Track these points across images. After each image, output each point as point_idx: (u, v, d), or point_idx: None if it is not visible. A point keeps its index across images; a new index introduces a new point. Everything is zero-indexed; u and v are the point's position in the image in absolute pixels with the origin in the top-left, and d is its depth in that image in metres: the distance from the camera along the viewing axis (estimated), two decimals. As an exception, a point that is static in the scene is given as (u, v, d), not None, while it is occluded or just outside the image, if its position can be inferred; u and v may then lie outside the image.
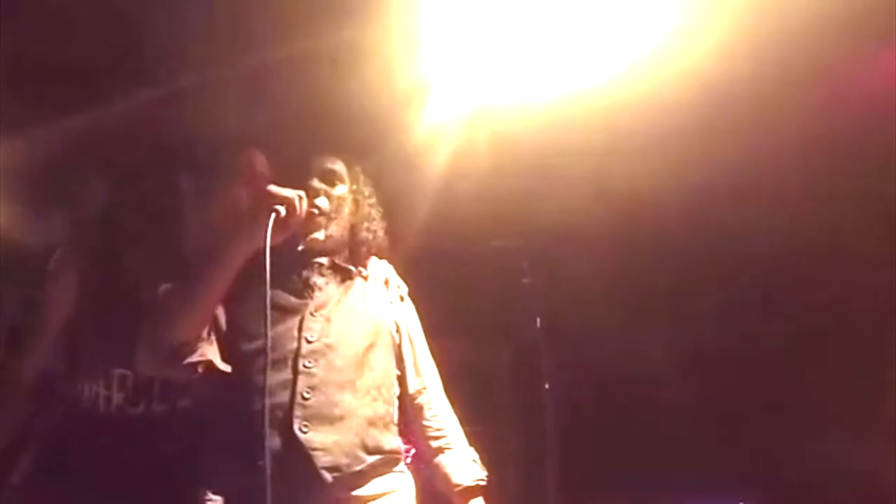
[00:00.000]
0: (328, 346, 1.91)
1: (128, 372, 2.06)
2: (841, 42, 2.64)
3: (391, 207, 2.27)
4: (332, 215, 2.03)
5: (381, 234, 2.15)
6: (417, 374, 2.11)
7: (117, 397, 2.08)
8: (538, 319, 3.87)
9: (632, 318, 4.10)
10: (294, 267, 2.00)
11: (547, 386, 3.74)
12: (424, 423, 2.09)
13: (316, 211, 1.98)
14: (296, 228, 1.88)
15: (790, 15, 2.53)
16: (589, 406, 4.15)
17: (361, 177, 2.15)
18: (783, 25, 2.57)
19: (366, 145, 2.45)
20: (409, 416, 2.09)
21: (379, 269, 2.15)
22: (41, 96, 2.60)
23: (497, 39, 2.76)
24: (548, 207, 3.70)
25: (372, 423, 1.91)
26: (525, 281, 3.96)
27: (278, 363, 1.85)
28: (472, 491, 2.04)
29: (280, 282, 1.89)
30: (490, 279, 4.08)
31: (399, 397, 2.06)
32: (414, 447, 2.33)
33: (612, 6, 2.57)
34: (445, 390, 2.18)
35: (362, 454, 1.87)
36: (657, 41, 2.71)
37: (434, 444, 2.08)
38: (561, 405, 3.78)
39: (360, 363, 1.94)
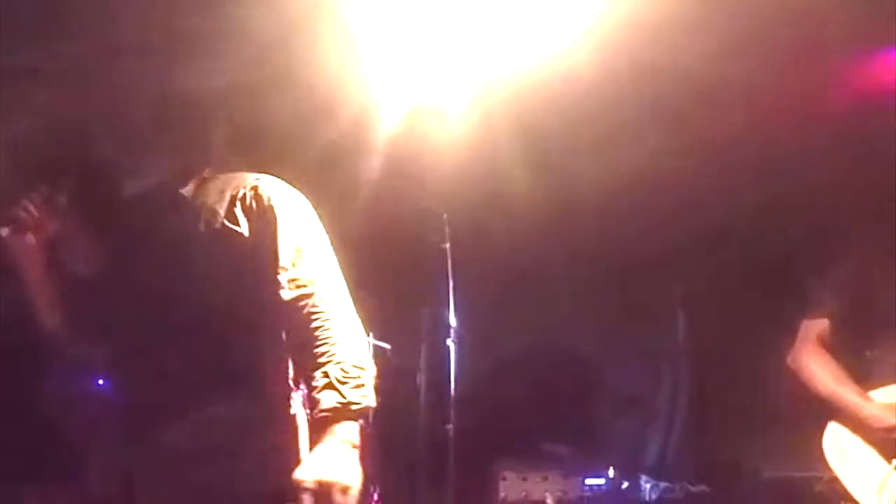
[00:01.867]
0: (148, 307, 1.86)
1: None
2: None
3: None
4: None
5: (226, 155, 2.06)
6: (288, 282, 1.83)
7: None
8: (450, 282, 4.28)
9: (539, 291, 4.77)
10: (125, 216, 2.01)
11: (452, 344, 4.21)
12: (301, 335, 1.82)
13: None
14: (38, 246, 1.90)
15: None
16: (488, 366, 4.75)
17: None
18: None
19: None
20: (294, 338, 1.85)
21: (224, 181, 1.98)
22: None
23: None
24: (472, 179, 4.33)
25: (209, 382, 1.83)
26: (443, 246, 4.34)
27: (122, 330, 1.92)
28: (334, 418, 1.73)
29: (118, 236, 1.99)
30: (412, 240, 4.54)
31: (281, 317, 1.86)
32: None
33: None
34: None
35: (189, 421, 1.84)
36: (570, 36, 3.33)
37: (311, 359, 1.79)
38: (463, 363, 4.20)
39: (188, 312, 1.83)
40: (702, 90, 3.67)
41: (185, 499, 1.78)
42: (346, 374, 1.72)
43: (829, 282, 2.43)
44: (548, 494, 3.86)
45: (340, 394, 1.71)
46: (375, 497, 3.11)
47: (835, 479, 2.19)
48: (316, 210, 1.97)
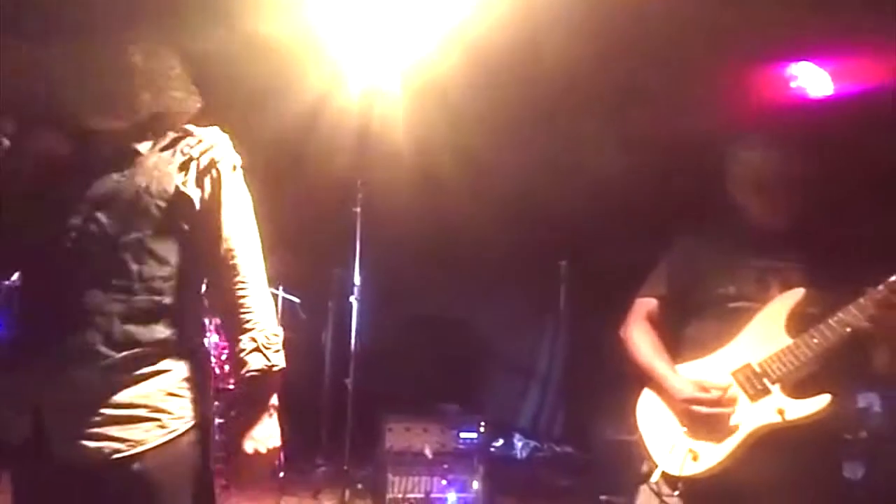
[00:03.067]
0: (83, 244, 1.92)
1: None
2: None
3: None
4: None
5: (181, 116, 2.08)
6: (224, 252, 2.01)
7: None
8: (357, 243, 4.71)
9: (441, 261, 5.19)
10: (74, 159, 2.01)
11: (354, 300, 4.67)
12: (229, 300, 2.01)
13: None
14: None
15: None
16: (387, 321, 5.18)
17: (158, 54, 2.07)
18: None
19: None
20: (218, 295, 2.05)
21: (178, 142, 2.07)
22: None
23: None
24: (392, 152, 4.72)
25: (126, 317, 1.91)
26: (355, 210, 4.78)
27: (48, 261, 1.94)
28: (261, 377, 1.97)
29: (62, 175, 1.98)
30: (328, 205, 4.96)
31: (210, 275, 2.05)
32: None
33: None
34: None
35: (105, 349, 1.89)
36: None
37: (236, 325, 2.01)
38: (364, 317, 4.66)
39: (121, 256, 1.93)
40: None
41: (93, 417, 1.88)
42: (268, 341, 1.98)
43: (659, 266, 2.68)
44: (426, 445, 4.27)
45: (266, 357, 1.97)
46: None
47: (640, 438, 2.49)
48: (246, 165, 2.12)
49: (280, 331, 2.05)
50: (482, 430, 4.31)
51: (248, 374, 1.97)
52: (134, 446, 1.89)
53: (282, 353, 2.02)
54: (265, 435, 1.99)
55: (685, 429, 2.40)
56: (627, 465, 2.66)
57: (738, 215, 2.55)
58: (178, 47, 2.11)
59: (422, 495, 4.20)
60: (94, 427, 1.88)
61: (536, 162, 4.73)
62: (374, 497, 4.37)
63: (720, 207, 2.60)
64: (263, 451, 1.98)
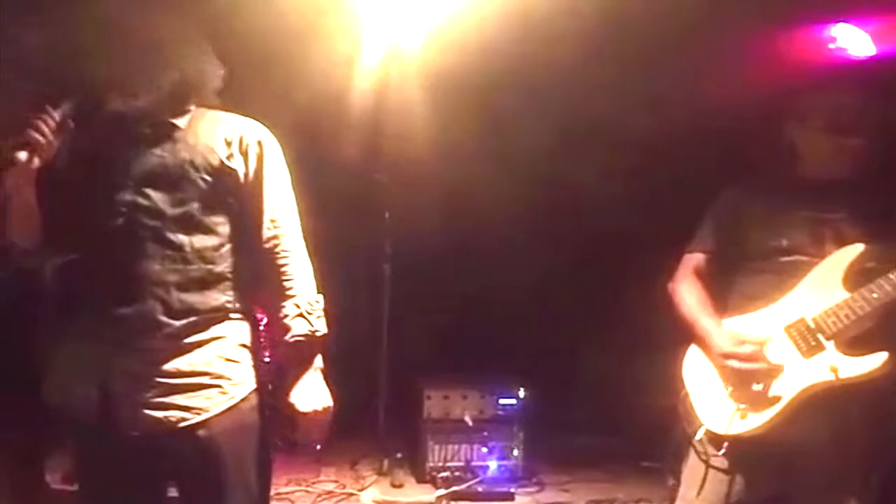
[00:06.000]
0: (135, 219, 2.02)
1: None
2: None
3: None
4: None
5: (205, 83, 2.14)
6: (268, 223, 2.13)
7: None
8: (386, 213, 4.80)
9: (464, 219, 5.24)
10: (109, 135, 2.08)
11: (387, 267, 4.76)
12: (272, 269, 2.13)
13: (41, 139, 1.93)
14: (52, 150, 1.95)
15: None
16: (418, 284, 5.19)
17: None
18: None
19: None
20: (261, 264, 2.15)
21: (216, 118, 2.16)
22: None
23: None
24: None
25: (182, 286, 2.02)
26: (378, 177, 4.87)
27: (94, 237, 2.04)
28: (305, 342, 2.10)
29: (98, 152, 2.07)
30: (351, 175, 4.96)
31: (253, 246, 2.14)
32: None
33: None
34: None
35: (165, 319, 2.00)
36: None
37: (279, 292, 2.13)
38: (397, 281, 4.77)
39: (172, 228, 2.02)
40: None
41: (157, 386, 2.00)
42: (311, 307, 2.12)
43: (706, 220, 2.67)
44: (466, 413, 4.32)
45: (309, 322, 2.11)
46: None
47: (686, 397, 2.51)
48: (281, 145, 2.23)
49: (321, 297, 2.18)
50: (521, 395, 4.37)
51: (292, 339, 2.09)
52: (199, 413, 2.01)
53: (323, 318, 2.15)
54: (317, 394, 2.13)
55: (732, 387, 2.41)
56: (670, 429, 2.69)
57: (790, 165, 2.54)
58: (194, 14, 2.18)
59: (462, 463, 4.27)
60: (159, 396, 2.00)
61: (573, 123, 4.73)
62: (413, 466, 4.46)
63: (769, 158, 2.61)
64: (319, 408, 2.11)
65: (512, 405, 4.37)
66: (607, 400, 4.75)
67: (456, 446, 4.31)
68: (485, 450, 4.30)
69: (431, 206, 5.11)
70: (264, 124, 2.22)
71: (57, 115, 1.94)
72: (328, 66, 4.32)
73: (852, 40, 3.96)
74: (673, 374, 2.60)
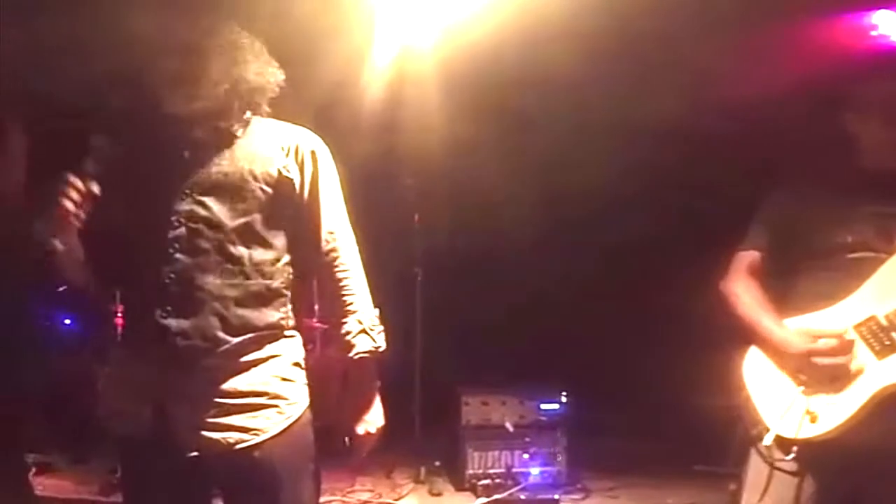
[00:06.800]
0: (194, 230, 1.95)
1: None
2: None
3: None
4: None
5: (264, 88, 2.07)
6: (326, 235, 2.08)
7: None
8: (416, 215, 4.78)
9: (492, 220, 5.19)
10: (164, 142, 2.02)
11: (419, 271, 4.71)
12: (332, 283, 2.09)
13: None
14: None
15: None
16: (449, 286, 5.20)
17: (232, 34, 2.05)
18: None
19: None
20: (319, 278, 2.13)
21: (271, 127, 2.11)
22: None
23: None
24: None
25: (240, 302, 1.96)
26: (407, 181, 4.87)
27: (149, 249, 1.97)
28: (369, 359, 2.06)
29: (152, 160, 2.01)
30: (380, 178, 4.92)
31: (310, 260, 2.10)
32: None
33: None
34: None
35: (223, 335, 1.94)
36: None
37: (339, 307, 2.09)
38: (428, 285, 4.75)
39: (232, 240, 1.97)
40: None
41: (214, 406, 1.94)
42: (373, 322, 2.08)
43: (758, 217, 2.57)
44: (506, 418, 4.28)
45: (372, 339, 2.06)
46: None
47: (748, 399, 2.41)
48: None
49: (378, 311, 2.12)
50: (564, 400, 4.32)
51: (356, 356, 2.05)
52: (257, 435, 1.95)
53: (383, 333, 2.10)
54: (375, 416, 2.09)
55: (801, 388, 2.32)
56: (726, 432, 2.65)
57: (851, 157, 2.47)
58: (245, 20, 2.10)
59: (503, 470, 4.23)
60: (217, 417, 1.94)
61: (592, 123, 4.67)
62: (452, 473, 4.42)
63: (826, 150, 2.54)
64: (373, 431, 2.08)
65: (554, 410, 4.33)
66: (650, 403, 4.70)
67: (496, 453, 4.27)
68: (526, 456, 4.26)
69: (460, 209, 5.08)
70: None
71: (79, 183, 1.88)
72: (343, 66, 4.29)
73: (894, 27, 3.90)
74: (719, 375, 2.53)
